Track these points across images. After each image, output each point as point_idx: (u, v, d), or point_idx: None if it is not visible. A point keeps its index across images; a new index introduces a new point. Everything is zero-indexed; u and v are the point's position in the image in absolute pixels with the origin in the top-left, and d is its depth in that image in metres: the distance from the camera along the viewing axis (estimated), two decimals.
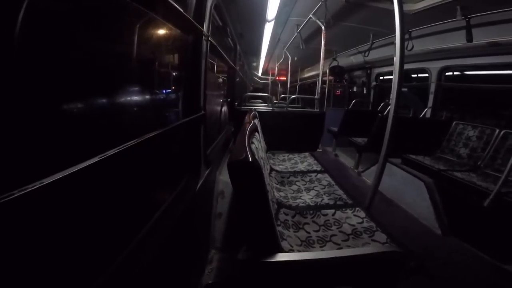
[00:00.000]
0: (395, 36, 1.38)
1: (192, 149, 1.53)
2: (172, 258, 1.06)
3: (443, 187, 2.34)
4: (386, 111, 3.14)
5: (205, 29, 1.58)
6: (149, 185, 1.13)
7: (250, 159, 0.85)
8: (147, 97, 1.19)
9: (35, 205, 0.47)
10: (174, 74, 1.56)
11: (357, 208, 1.51)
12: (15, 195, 0.40)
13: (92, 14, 0.76)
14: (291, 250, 1.10)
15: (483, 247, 1.85)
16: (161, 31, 1.38)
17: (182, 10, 1.28)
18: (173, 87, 1.57)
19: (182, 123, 1.33)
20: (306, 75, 9.00)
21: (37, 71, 0.57)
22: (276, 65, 7.04)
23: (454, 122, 3.24)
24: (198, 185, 1.46)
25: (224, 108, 3.56)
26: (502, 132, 2.67)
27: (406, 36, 3.17)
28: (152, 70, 1.29)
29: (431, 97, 3.83)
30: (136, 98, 1.08)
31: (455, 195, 2.25)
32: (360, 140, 3.66)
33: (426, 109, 3.82)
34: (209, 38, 1.67)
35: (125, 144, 0.74)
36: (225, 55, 2.69)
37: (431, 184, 2.37)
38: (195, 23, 1.40)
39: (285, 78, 7.82)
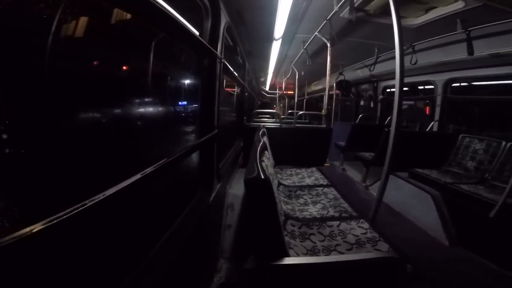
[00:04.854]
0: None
1: (206, 165, 1.64)
2: (185, 267, 1.14)
3: (450, 200, 2.36)
4: None
5: (218, 51, 1.71)
6: (168, 199, 1.24)
7: (263, 176, 0.97)
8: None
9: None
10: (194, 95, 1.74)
11: (361, 220, 1.58)
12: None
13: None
14: None
15: (490, 256, 1.88)
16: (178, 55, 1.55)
17: (197, 35, 1.42)
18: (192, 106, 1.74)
19: (199, 143, 1.45)
20: (313, 88, 9.09)
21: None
22: (284, 79, 7.19)
23: (461, 135, 3.25)
24: (211, 198, 1.57)
25: (234, 123, 3.69)
26: (508, 145, 2.69)
27: (410, 50, 3.25)
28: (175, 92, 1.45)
29: (437, 110, 3.85)
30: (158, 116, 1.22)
31: (462, 207, 2.27)
32: (367, 154, 3.68)
33: (432, 122, 3.84)
34: (222, 60, 1.80)
35: (146, 170, 0.81)
36: (236, 74, 2.83)
37: (438, 196, 2.39)
38: (210, 47, 1.54)
39: (292, 92, 7.94)
